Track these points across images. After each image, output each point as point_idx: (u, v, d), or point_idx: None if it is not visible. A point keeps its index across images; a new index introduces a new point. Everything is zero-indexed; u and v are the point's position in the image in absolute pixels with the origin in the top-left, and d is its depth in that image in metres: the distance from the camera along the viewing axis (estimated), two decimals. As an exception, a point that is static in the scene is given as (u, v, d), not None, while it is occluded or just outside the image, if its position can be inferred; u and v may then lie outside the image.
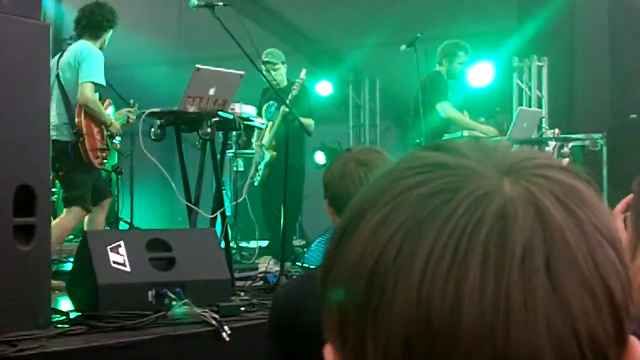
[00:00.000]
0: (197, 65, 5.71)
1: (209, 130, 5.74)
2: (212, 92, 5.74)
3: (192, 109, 5.72)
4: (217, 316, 4.42)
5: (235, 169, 8.32)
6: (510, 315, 0.60)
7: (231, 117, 5.80)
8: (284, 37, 11.17)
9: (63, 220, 6.44)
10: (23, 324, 3.96)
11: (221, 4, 5.98)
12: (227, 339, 4.31)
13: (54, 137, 6.42)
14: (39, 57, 4.21)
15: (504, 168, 0.65)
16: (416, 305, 0.61)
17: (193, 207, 5.93)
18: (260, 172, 8.23)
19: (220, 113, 5.75)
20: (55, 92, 6.46)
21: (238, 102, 6.07)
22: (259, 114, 8.07)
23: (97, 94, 6.56)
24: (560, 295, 0.60)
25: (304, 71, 8.00)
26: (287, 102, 7.13)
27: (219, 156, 6.19)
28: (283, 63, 8.39)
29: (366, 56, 11.27)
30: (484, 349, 0.60)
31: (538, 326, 0.60)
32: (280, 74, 8.31)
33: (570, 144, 7.98)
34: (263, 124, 6.64)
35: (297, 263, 7.02)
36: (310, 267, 6.53)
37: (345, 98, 12.45)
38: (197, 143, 6.04)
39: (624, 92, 9.50)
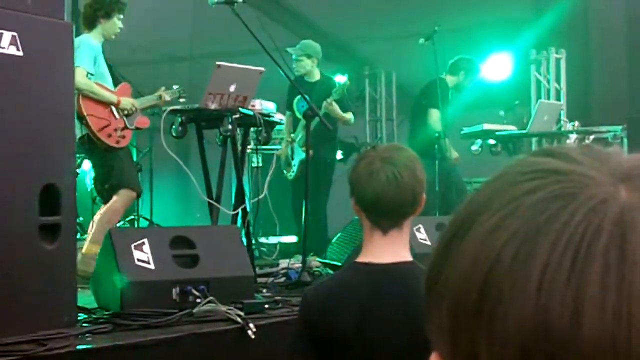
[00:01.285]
0: (218, 62, 5.70)
1: (229, 127, 5.74)
2: (232, 88, 5.74)
3: (213, 106, 5.72)
4: (242, 313, 4.42)
5: (255, 164, 8.32)
6: (633, 325, 0.59)
7: (252, 113, 5.79)
8: (299, 32, 11.14)
9: (112, 204, 6.52)
10: (50, 323, 3.97)
11: (240, 0, 5.96)
12: (253, 336, 4.30)
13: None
14: (63, 56, 4.21)
15: (619, 175, 0.64)
16: (534, 312, 0.60)
17: (214, 204, 5.93)
18: (295, 168, 8.22)
19: (241, 110, 5.75)
20: None
21: (258, 99, 6.06)
22: (282, 108, 8.08)
23: (110, 78, 6.59)
24: None
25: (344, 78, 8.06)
26: (308, 97, 7.13)
27: (239, 153, 6.18)
28: (309, 57, 8.30)
29: (382, 49, 11.25)
30: (605, 358, 0.59)
31: None
32: (303, 67, 8.25)
33: (592, 137, 7.96)
34: (282, 120, 6.62)
35: (318, 259, 7.00)
36: (332, 262, 6.51)
37: (361, 92, 12.42)
38: (217, 140, 6.02)
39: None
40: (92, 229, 6.46)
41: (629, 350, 0.58)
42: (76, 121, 6.28)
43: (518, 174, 0.67)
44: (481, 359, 0.63)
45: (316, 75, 8.32)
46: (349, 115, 8.18)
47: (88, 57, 6.40)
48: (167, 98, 6.76)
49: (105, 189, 6.63)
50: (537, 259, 0.61)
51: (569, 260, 0.60)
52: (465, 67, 8.49)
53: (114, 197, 6.53)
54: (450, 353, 0.67)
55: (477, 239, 0.65)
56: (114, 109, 6.51)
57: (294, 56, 8.30)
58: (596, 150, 0.68)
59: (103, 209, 6.57)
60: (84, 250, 6.24)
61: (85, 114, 6.28)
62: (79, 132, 6.37)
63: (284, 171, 8.19)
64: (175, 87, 6.92)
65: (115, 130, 6.44)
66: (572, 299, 0.60)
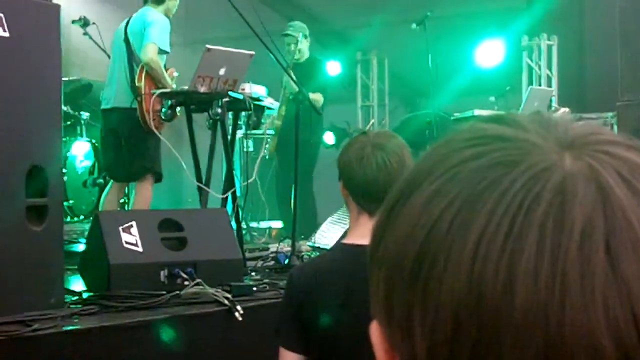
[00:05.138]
0: (207, 46, 5.70)
1: (219, 110, 5.73)
2: (222, 72, 5.74)
3: (202, 89, 5.71)
4: (229, 296, 4.43)
5: (245, 149, 8.30)
6: (566, 295, 0.57)
7: (241, 97, 5.79)
8: (292, 17, 11.13)
9: (142, 192, 6.63)
10: (36, 304, 3.97)
11: (232, -16, 5.95)
12: (240, 318, 4.32)
13: (113, 105, 6.46)
14: (50, 37, 4.19)
15: (565, 142, 0.63)
16: (467, 280, 0.59)
17: (204, 187, 5.93)
18: (269, 141, 8.21)
19: (230, 93, 5.74)
20: (122, 58, 6.59)
21: (248, 82, 6.06)
22: (273, 94, 8.04)
23: (163, 58, 6.59)
24: (620, 277, 0.58)
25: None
26: (298, 81, 7.11)
27: (229, 136, 6.17)
28: (305, 37, 8.33)
29: (374, 35, 11.23)
30: (536, 329, 0.57)
31: (595, 308, 0.57)
32: (302, 48, 8.24)
33: (581, 123, 7.96)
34: (272, 104, 6.61)
35: (308, 243, 7.02)
36: (321, 247, 6.53)
37: (353, 78, 12.40)
38: (207, 123, 6.02)
39: (634, 70, 9.46)
40: None
41: (561, 321, 0.57)
42: (129, 95, 6.28)
43: (463, 140, 0.66)
44: (415, 326, 0.62)
45: (305, 55, 8.33)
46: (317, 96, 7.92)
47: (164, 34, 6.49)
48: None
49: (133, 168, 6.65)
50: (473, 227, 0.60)
51: (505, 229, 0.59)
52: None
53: (141, 184, 6.56)
54: (386, 321, 0.66)
55: (416, 206, 0.64)
56: None
57: (287, 34, 8.23)
58: (545, 118, 0.67)
59: (135, 199, 6.58)
60: None
61: (143, 92, 6.26)
62: (127, 103, 6.36)
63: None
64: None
65: (158, 112, 6.39)
66: (506, 268, 0.58)
